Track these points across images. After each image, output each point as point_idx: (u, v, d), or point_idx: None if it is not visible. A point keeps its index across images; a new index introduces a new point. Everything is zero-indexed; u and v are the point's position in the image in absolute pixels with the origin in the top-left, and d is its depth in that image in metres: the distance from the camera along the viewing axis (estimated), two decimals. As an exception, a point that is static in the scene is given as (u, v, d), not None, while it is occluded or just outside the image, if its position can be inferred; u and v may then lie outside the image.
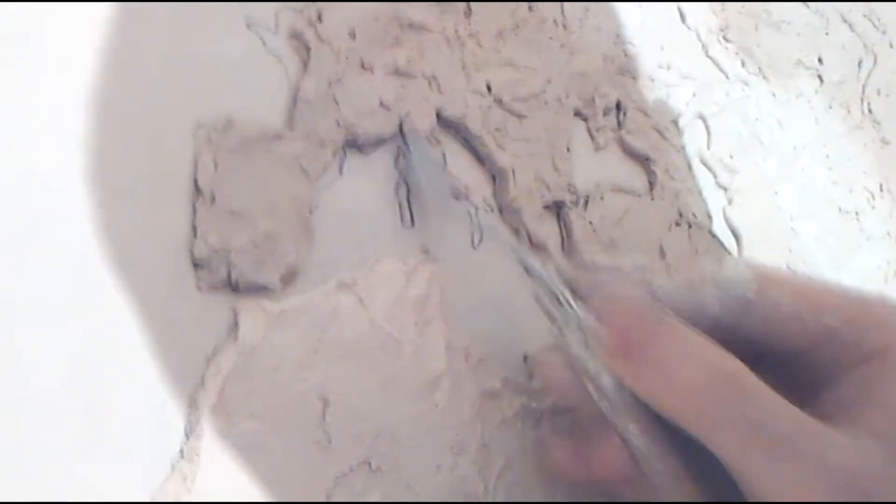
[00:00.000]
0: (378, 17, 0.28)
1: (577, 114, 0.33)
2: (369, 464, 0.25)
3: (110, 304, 0.22)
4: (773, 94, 0.41)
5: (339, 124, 0.26)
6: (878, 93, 0.45)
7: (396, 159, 0.28)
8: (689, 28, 0.38)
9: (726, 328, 0.22)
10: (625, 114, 0.34)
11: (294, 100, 0.26)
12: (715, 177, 0.38)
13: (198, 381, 0.23)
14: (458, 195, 0.29)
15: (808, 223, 0.41)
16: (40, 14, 0.22)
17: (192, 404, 0.23)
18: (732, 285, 0.23)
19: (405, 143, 0.28)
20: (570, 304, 0.23)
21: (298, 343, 0.25)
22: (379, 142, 0.27)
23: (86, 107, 0.22)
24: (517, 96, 0.31)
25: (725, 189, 0.38)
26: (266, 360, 0.24)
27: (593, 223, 0.32)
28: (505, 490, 0.28)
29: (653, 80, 0.36)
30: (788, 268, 0.39)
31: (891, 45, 0.46)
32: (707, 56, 0.39)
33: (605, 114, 0.34)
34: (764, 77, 0.41)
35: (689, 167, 0.37)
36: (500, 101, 0.30)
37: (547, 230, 0.31)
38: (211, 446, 0.23)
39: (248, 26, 0.26)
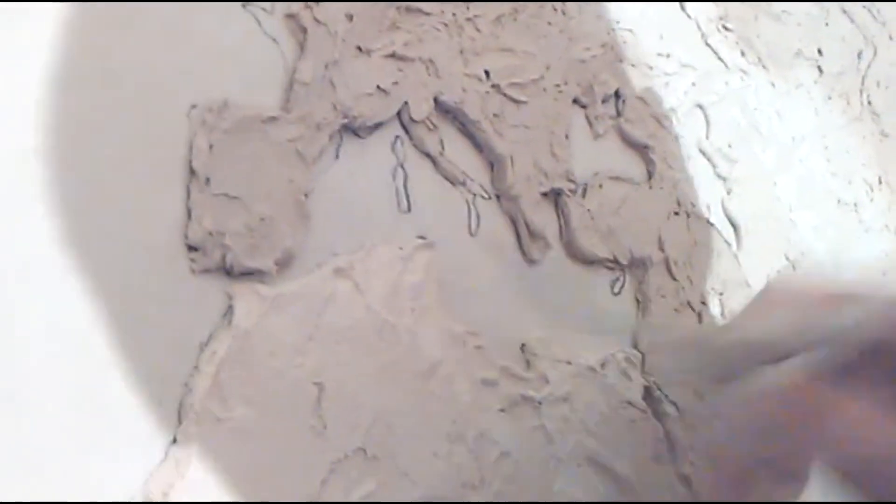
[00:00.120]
0: None
1: (576, 101, 0.32)
2: (365, 451, 0.25)
3: (103, 287, 0.22)
4: (773, 85, 0.41)
5: (335, 108, 0.26)
6: (878, 85, 0.45)
7: (393, 144, 0.28)
8: (688, 17, 0.38)
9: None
10: (624, 102, 0.34)
11: (290, 82, 0.26)
12: (714, 166, 0.37)
13: (192, 365, 0.23)
14: (456, 181, 0.29)
15: (806, 214, 0.40)
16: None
17: (186, 389, 0.23)
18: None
19: (403, 127, 0.27)
20: None
21: (294, 328, 0.24)
22: (376, 126, 0.27)
23: (78, 87, 0.22)
24: (515, 82, 0.30)
25: (724, 179, 0.38)
26: (261, 346, 0.24)
27: (591, 211, 0.32)
28: (501, 479, 0.28)
29: (651, 69, 0.36)
30: (787, 259, 0.39)
31: (890, 38, 0.46)
32: (707, 45, 0.39)
33: (604, 101, 0.33)
34: (763, 67, 0.40)
35: (688, 156, 0.36)
36: (498, 87, 0.30)
37: (545, 218, 0.31)
38: (205, 432, 0.22)
39: (244, 7, 0.25)
